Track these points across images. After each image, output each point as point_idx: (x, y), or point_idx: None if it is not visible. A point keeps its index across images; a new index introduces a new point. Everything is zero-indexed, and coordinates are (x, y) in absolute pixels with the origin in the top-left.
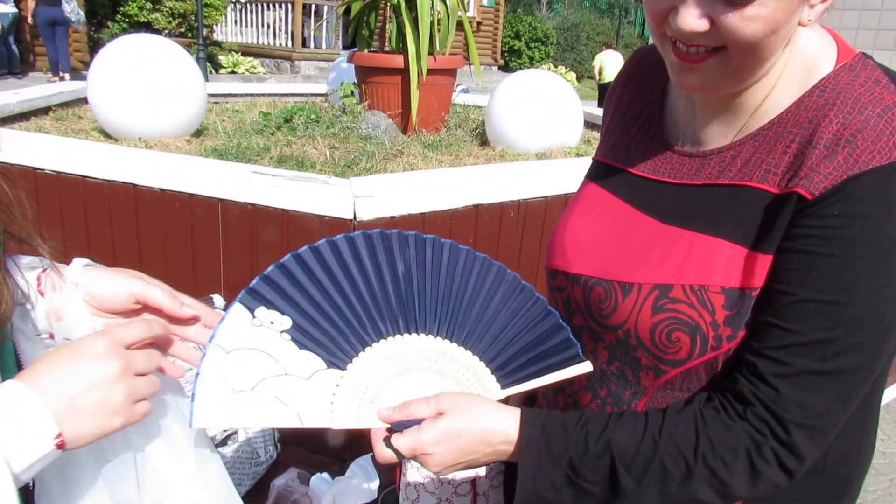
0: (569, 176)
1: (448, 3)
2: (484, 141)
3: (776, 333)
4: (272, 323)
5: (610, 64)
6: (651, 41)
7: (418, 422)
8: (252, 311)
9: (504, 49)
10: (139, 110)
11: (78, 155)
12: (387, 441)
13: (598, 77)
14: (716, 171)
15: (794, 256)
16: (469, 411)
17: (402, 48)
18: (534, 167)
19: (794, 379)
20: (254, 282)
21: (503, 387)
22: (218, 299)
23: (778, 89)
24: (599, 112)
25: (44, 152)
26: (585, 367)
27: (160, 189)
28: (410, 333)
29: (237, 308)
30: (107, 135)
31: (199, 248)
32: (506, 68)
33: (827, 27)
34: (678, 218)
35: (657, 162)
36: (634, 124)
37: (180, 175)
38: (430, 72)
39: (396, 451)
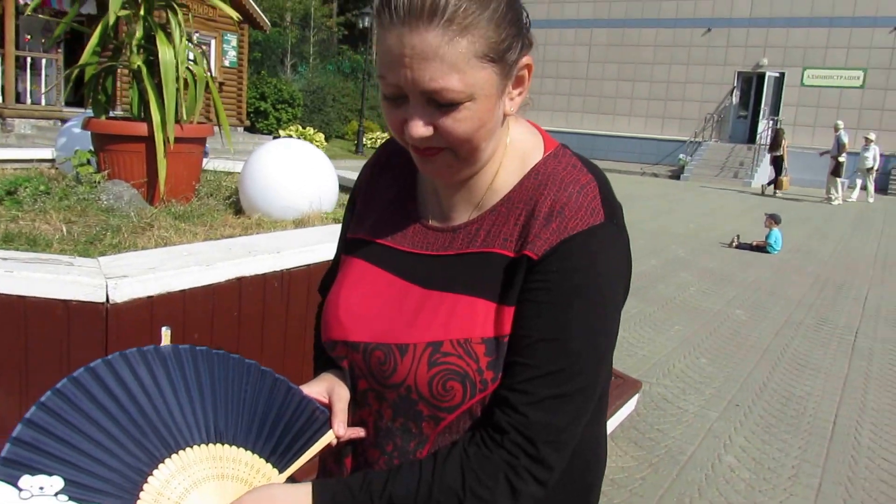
0: (330, 243)
1: (194, 70)
2: (239, 209)
3: (520, 370)
4: (41, 489)
5: None
6: None
7: None
8: (15, 483)
9: (250, 110)
10: None
11: None
12: None
13: None
14: (465, 242)
15: (528, 305)
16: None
17: (144, 115)
18: (296, 236)
19: (538, 405)
20: (5, 449)
21: (281, 471)
22: None
23: (502, 173)
24: (352, 176)
25: None
26: (328, 437)
27: None
28: (184, 449)
29: None
30: None
31: None
32: (252, 129)
33: (533, 123)
34: (439, 283)
35: (415, 237)
36: (391, 205)
37: None
38: (178, 140)
39: None
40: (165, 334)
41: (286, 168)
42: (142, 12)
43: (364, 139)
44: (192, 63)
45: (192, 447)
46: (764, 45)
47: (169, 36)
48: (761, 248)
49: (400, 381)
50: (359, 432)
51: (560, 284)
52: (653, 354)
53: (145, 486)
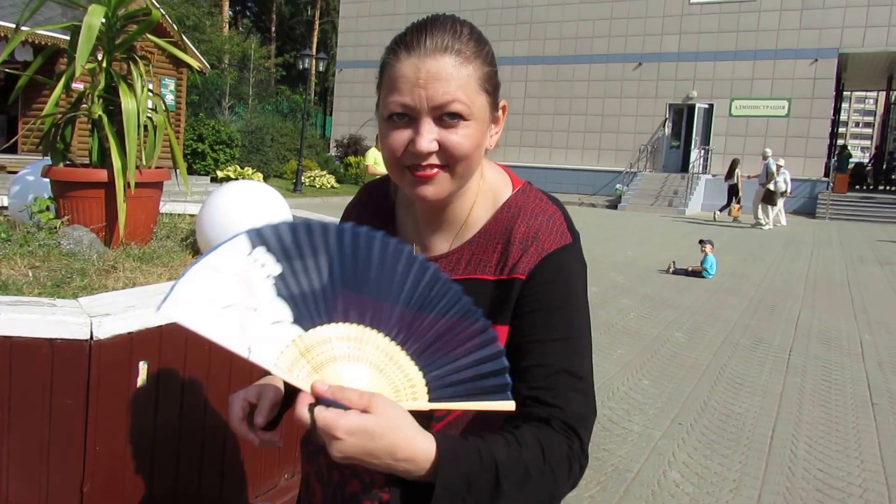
0: None
1: (154, 118)
2: (196, 250)
3: (537, 370)
4: (264, 265)
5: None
6: (334, 144)
7: (345, 407)
8: (253, 246)
9: (187, 152)
10: None
11: None
12: (311, 407)
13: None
14: (447, 270)
15: (527, 317)
16: (392, 422)
17: (103, 162)
18: None
19: (566, 393)
20: (266, 224)
21: (430, 400)
22: None
23: (476, 208)
24: (307, 215)
25: None
26: (509, 405)
27: None
28: (374, 329)
29: (241, 238)
30: None
31: None
32: (189, 171)
33: (500, 164)
34: None
35: None
36: None
37: None
38: (138, 185)
39: (313, 420)
40: (143, 368)
41: (245, 209)
42: (104, 64)
43: (303, 178)
44: (152, 112)
45: (379, 332)
46: (693, 77)
47: (130, 86)
48: (697, 273)
49: None
50: (274, 438)
51: (549, 294)
52: (597, 378)
53: (326, 325)
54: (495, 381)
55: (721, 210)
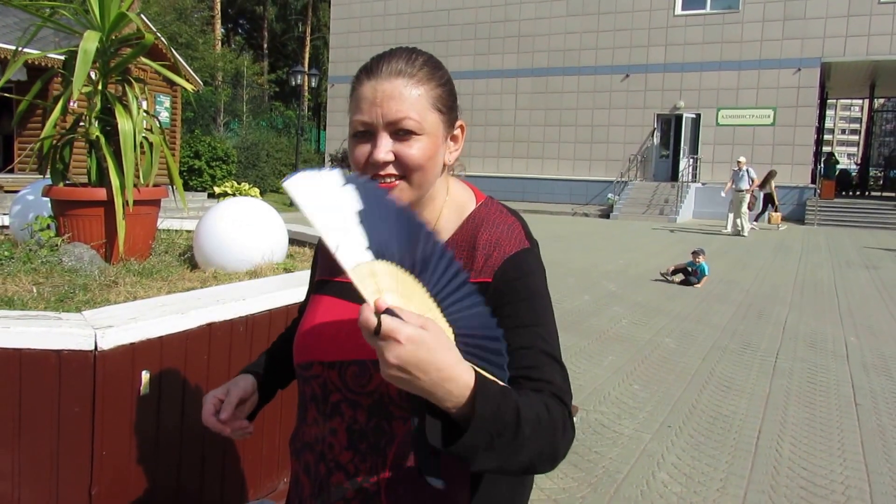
0: (286, 290)
1: (151, 138)
2: (194, 264)
3: (524, 353)
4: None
5: None
6: (328, 158)
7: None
8: (345, 182)
9: (183, 169)
10: None
11: None
12: (376, 312)
13: None
14: None
15: (504, 309)
16: (443, 342)
17: (101, 182)
18: (256, 285)
19: (550, 370)
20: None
21: None
22: None
23: (443, 220)
24: (300, 229)
25: None
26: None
27: None
28: (422, 285)
29: (336, 173)
30: None
31: None
32: (186, 187)
33: (465, 181)
34: None
35: None
36: None
37: None
38: (136, 203)
39: (378, 324)
40: (145, 377)
41: (241, 224)
42: (100, 87)
43: None
44: (148, 132)
45: (426, 291)
46: (679, 88)
47: (126, 108)
48: (694, 276)
49: (374, 389)
50: (243, 425)
51: (517, 288)
52: (589, 384)
53: (391, 264)
54: (498, 359)
55: (757, 219)
